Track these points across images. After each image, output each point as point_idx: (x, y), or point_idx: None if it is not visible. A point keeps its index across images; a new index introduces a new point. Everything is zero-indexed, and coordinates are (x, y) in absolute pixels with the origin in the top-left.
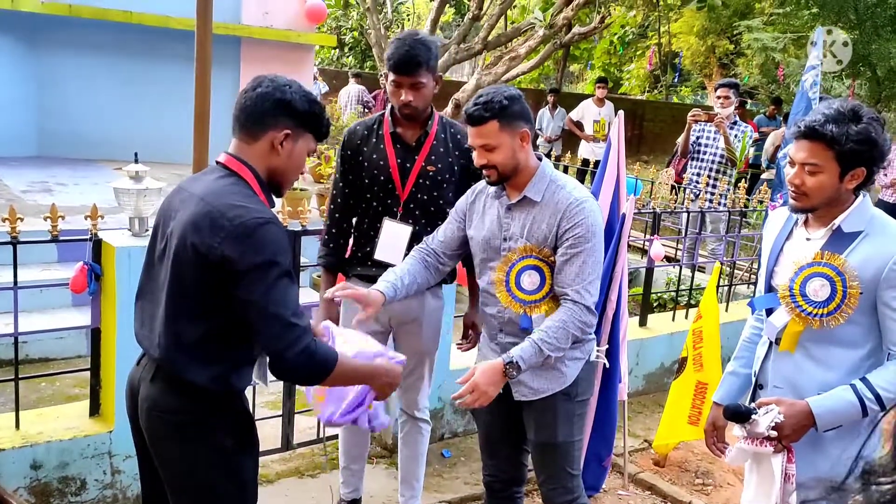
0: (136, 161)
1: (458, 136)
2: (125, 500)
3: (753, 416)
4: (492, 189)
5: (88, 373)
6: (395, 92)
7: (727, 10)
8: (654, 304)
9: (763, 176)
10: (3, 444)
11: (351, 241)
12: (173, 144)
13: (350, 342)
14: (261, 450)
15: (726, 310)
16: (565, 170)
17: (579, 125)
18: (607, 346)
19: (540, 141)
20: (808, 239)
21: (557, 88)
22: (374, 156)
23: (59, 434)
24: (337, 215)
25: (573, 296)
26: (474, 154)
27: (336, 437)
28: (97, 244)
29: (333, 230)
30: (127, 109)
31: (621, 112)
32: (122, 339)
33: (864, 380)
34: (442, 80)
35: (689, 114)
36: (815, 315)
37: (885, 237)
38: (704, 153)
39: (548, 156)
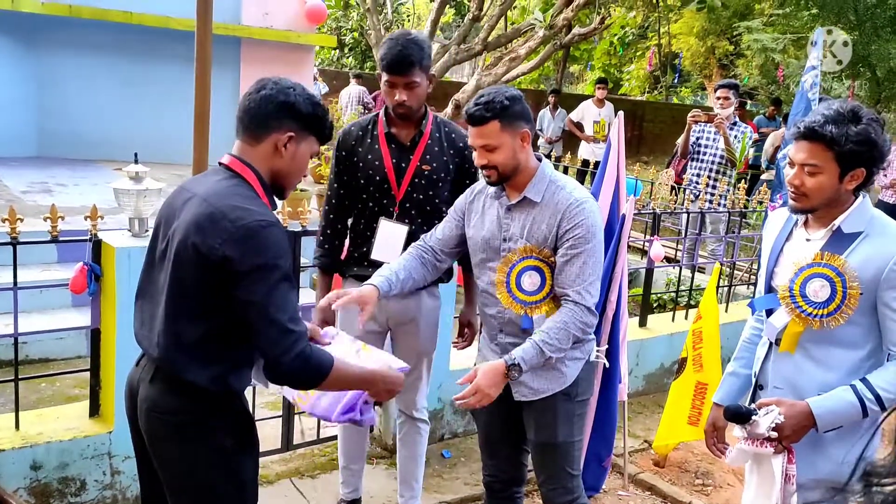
0: (136, 162)
1: (453, 136)
2: (125, 501)
3: (754, 417)
4: (492, 189)
5: (88, 373)
6: (389, 92)
7: (727, 11)
8: (654, 305)
9: (763, 177)
10: (3, 445)
11: (347, 242)
12: (173, 145)
13: (375, 360)
14: (260, 450)
15: (726, 310)
16: (565, 170)
17: (579, 126)
18: (607, 346)
19: (540, 142)
20: (807, 240)
21: (558, 89)
22: (370, 156)
23: (59, 435)
24: (332, 216)
25: (574, 296)
26: (475, 154)
27: (335, 437)
28: (97, 245)
29: (328, 231)
30: (127, 110)
31: (621, 113)
32: (121, 339)
33: (864, 380)
34: (436, 80)
35: (689, 114)
36: (815, 316)
37: (884, 238)
38: (704, 154)
39: (548, 157)
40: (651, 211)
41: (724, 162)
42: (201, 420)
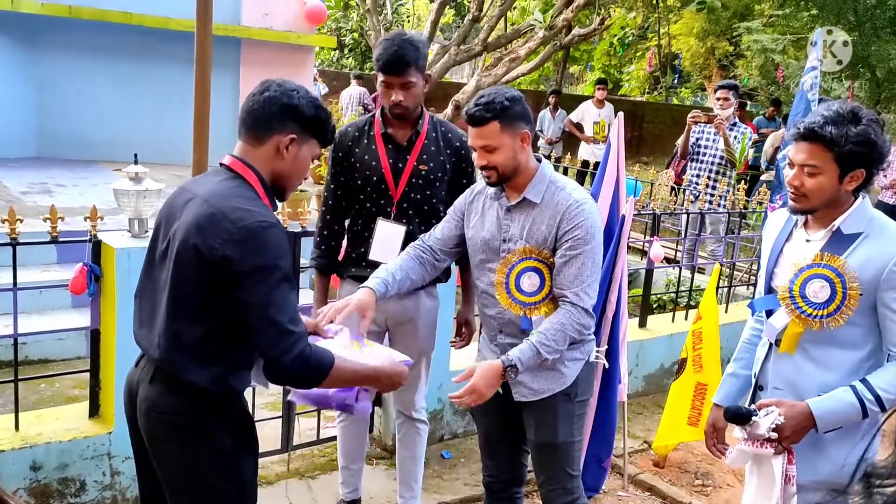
0: (136, 162)
1: (449, 135)
2: (124, 502)
3: (754, 418)
4: (491, 190)
5: (88, 374)
6: (385, 92)
7: (727, 12)
8: (654, 306)
9: (762, 177)
10: (3, 446)
11: (344, 243)
12: (173, 146)
13: (376, 355)
14: (260, 451)
15: (726, 311)
16: (565, 171)
17: (579, 127)
18: (607, 346)
19: (541, 143)
20: (807, 240)
21: (558, 90)
22: (366, 157)
23: (59, 435)
24: (328, 217)
25: (572, 298)
26: (475, 155)
27: (334, 438)
28: (97, 245)
29: (325, 232)
30: (126, 111)
31: (621, 113)
32: (121, 340)
33: (864, 381)
34: (432, 80)
35: (689, 115)
36: (815, 316)
37: (884, 238)
38: (704, 154)
39: (548, 157)
40: (651, 211)
41: (723, 163)
42: (201, 420)
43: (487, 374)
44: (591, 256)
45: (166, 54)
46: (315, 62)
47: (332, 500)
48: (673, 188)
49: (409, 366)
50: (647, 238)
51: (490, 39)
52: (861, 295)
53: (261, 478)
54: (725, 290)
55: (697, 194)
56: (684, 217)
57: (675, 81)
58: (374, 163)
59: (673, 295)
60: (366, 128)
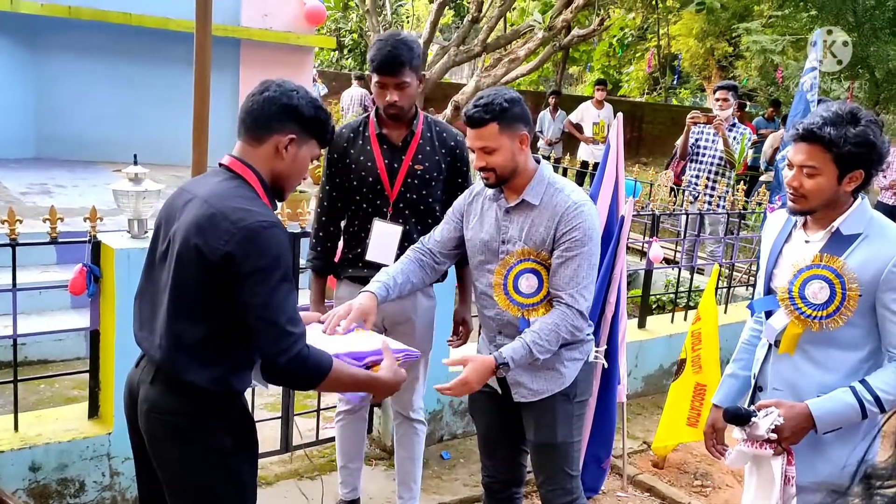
0: (136, 163)
1: (444, 135)
2: (124, 502)
3: (753, 419)
4: (490, 191)
5: (87, 375)
6: (380, 93)
7: (726, 13)
8: (653, 306)
9: (762, 178)
10: (2, 446)
11: (341, 244)
12: (172, 146)
13: (345, 342)
14: (260, 451)
15: (725, 312)
16: (564, 172)
17: (578, 127)
18: (606, 347)
19: (540, 143)
20: (806, 241)
21: (558, 91)
22: (362, 157)
23: (58, 436)
24: (324, 218)
25: (567, 299)
26: (473, 156)
27: (333, 439)
28: (96, 246)
29: (321, 233)
30: (126, 111)
31: (620, 114)
32: (121, 340)
33: (863, 382)
34: (426, 80)
35: (688, 116)
36: (815, 317)
37: (883, 239)
38: (703, 155)
39: (547, 158)
40: (650, 212)
41: (723, 163)
42: (201, 421)
43: (479, 368)
44: (588, 258)
45: (166, 55)
46: (314, 63)
47: (331, 500)
48: (672, 189)
49: (416, 359)
50: (647, 239)
51: (489, 40)
52: (860, 296)
53: (260, 479)
54: (725, 290)
55: (697, 195)
56: (683, 218)
57: (675, 82)
58: (369, 164)
59: (672, 295)
60: (360, 129)
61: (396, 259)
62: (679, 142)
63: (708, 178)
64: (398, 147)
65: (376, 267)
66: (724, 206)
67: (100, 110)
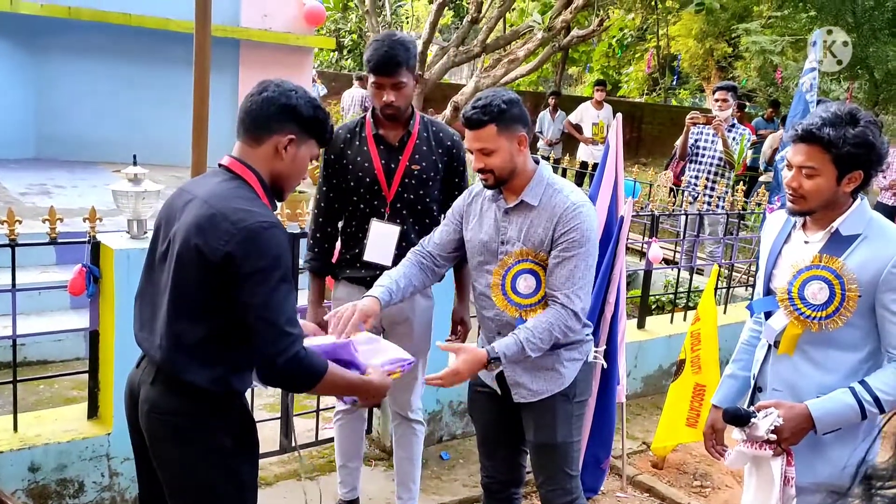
0: (135, 163)
1: (441, 134)
2: (123, 503)
3: (753, 420)
4: (489, 192)
5: (87, 375)
6: (376, 93)
7: (725, 13)
8: (653, 307)
9: (761, 178)
10: (2, 447)
11: (338, 244)
12: (172, 147)
13: (381, 352)
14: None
15: (724, 312)
16: (564, 172)
17: (578, 128)
18: (605, 347)
19: (540, 144)
20: (806, 242)
21: (558, 91)
22: (359, 158)
23: (58, 436)
24: (321, 219)
25: (563, 300)
26: (471, 157)
27: (332, 439)
28: (95, 246)
29: (318, 234)
30: (125, 112)
31: (619, 115)
32: (120, 341)
33: (862, 382)
34: (423, 80)
35: (688, 116)
36: (814, 318)
37: (883, 240)
38: (703, 156)
39: (547, 159)
40: (649, 213)
41: (722, 164)
42: (202, 421)
43: (471, 360)
44: (585, 259)
45: (165, 55)
46: (314, 63)
47: (330, 500)
48: (672, 189)
49: (413, 363)
50: (646, 239)
51: (489, 41)
52: (860, 296)
53: (260, 479)
54: (724, 291)
55: (696, 195)
56: (683, 218)
57: (674, 83)
58: (366, 164)
59: (671, 296)
60: (357, 129)
61: (394, 259)
62: (678, 142)
63: (707, 179)
64: (395, 147)
65: (374, 267)
66: (723, 207)
67: (99, 111)
